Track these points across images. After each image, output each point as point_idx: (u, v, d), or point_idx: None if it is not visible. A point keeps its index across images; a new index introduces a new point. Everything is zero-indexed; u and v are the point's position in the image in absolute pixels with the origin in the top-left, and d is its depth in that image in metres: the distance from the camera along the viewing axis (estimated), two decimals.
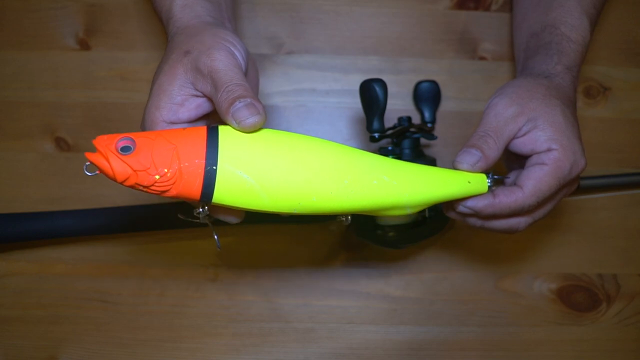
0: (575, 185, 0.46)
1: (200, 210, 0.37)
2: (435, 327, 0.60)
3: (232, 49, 0.39)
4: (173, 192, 0.35)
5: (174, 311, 0.59)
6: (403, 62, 0.61)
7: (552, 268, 0.61)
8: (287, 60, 0.60)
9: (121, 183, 0.34)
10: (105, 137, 0.34)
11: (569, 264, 0.61)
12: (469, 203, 0.42)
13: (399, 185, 0.38)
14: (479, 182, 0.41)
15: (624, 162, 0.61)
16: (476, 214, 0.43)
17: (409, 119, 0.50)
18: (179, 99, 0.38)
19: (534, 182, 0.42)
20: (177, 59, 0.39)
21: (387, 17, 0.61)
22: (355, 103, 0.59)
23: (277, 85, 0.60)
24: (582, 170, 0.43)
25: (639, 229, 0.61)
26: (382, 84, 0.48)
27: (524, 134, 0.43)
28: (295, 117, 0.60)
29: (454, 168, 0.42)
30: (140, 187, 0.34)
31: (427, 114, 0.52)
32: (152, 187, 0.34)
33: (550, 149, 0.42)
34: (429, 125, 0.52)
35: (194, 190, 0.34)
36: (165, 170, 0.34)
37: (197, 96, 0.39)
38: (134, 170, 0.34)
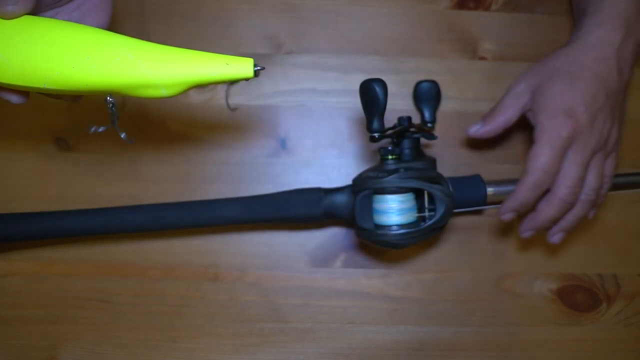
0: (590, 138, 0.48)
1: (110, 105, 0.42)
2: (435, 327, 0.60)
3: None
4: None
5: (173, 311, 0.59)
6: (403, 62, 0.61)
7: (552, 268, 0.61)
8: (287, 60, 0.60)
9: None
10: None
11: (569, 264, 0.61)
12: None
13: (144, 63, 0.40)
14: (242, 65, 0.40)
15: (623, 162, 0.61)
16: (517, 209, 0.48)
17: (409, 119, 0.50)
18: None
19: (530, 156, 0.47)
20: None
21: (387, 17, 0.61)
22: (355, 103, 0.59)
23: (277, 85, 0.60)
24: (572, 130, 0.46)
25: (639, 229, 0.61)
26: (382, 84, 0.48)
27: (530, 109, 0.50)
28: (295, 117, 0.60)
29: None
30: None
31: (427, 114, 0.52)
32: None
33: (537, 122, 0.48)
34: (429, 125, 0.52)
35: None
36: None
37: None
38: None
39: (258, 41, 0.60)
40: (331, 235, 0.60)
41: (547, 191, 0.49)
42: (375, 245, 0.51)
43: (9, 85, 0.42)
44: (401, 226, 0.50)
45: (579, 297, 0.61)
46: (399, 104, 0.60)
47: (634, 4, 0.48)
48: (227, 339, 0.59)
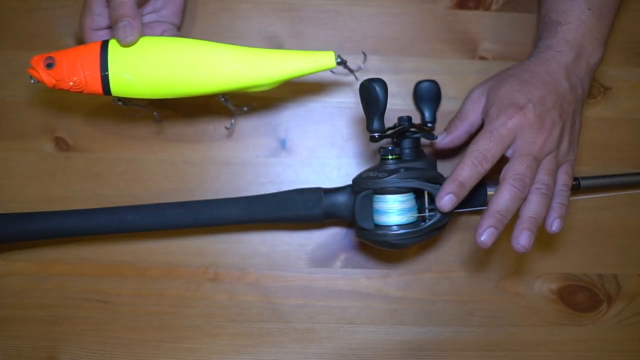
0: (539, 135, 0.49)
1: (114, 100, 0.50)
2: (435, 327, 0.60)
3: None
4: (86, 91, 0.48)
5: (173, 311, 0.59)
6: (403, 62, 0.61)
7: (553, 268, 0.60)
8: None
9: (52, 88, 0.48)
10: (37, 57, 0.48)
11: (570, 264, 0.61)
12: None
13: (248, 70, 0.48)
14: (326, 58, 0.49)
15: (624, 162, 0.61)
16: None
17: (409, 118, 0.50)
18: (98, 10, 0.49)
19: (472, 142, 0.48)
20: None
21: (387, 17, 0.61)
22: (355, 103, 0.59)
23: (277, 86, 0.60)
24: (518, 122, 0.48)
25: (639, 229, 0.61)
26: (382, 83, 0.48)
27: (485, 111, 0.51)
28: (295, 117, 0.60)
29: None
30: (65, 89, 0.48)
31: (427, 114, 0.52)
32: (72, 90, 0.48)
33: (487, 115, 0.50)
34: (429, 125, 0.52)
35: (97, 89, 0.48)
36: (75, 78, 0.47)
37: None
38: (56, 80, 0.47)
39: (258, 41, 0.60)
40: (331, 235, 0.60)
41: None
42: (375, 245, 0.51)
43: (136, 97, 0.49)
44: (401, 226, 0.50)
45: (579, 297, 0.60)
46: (399, 104, 0.60)
47: (585, 32, 0.51)
48: (227, 339, 0.59)
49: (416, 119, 0.51)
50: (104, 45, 0.48)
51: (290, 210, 0.53)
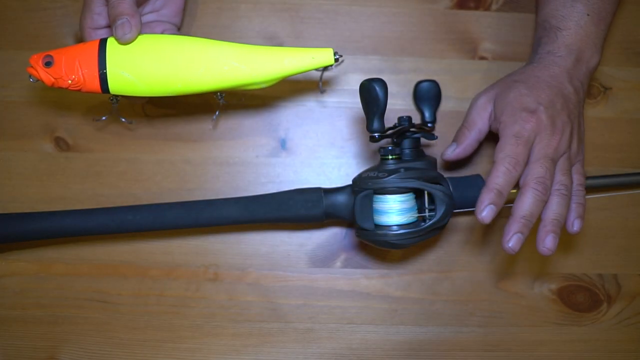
0: (553, 137, 0.49)
1: (112, 98, 0.51)
2: (435, 327, 0.60)
3: None
4: (84, 90, 0.48)
5: (173, 311, 0.59)
6: (403, 62, 0.61)
7: (553, 268, 0.60)
8: None
9: (50, 86, 0.48)
10: (35, 55, 0.47)
11: (570, 264, 0.61)
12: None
13: (247, 68, 0.48)
14: (324, 55, 0.50)
15: (624, 162, 0.61)
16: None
17: (409, 118, 0.50)
18: (97, 9, 0.49)
19: (497, 149, 0.49)
20: None
21: (387, 17, 0.61)
22: (355, 103, 0.59)
23: (276, 84, 0.60)
24: (534, 125, 0.48)
25: (639, 229, 0.61)
26: (382, 83, 0.48)
27: (495, 118, 0.52)
28: (295, 117, 0.60)
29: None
30: (63, 88, 0.48)
31: (427, 114, 0.52)
32: (70, 88, 0.48)
33: (500, 121, 0.50)
34: (429, 125, 0.52)
35: (95, 87, 0.48)
36: (73, 76, 0.47)
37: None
38: (54, 78, 0.47)
39: (258, 41, 0.60)
40: (331, 235, 0.60)
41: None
42: (375, 245, 0.51)
43: (134, 95, 0.49)
44: (401, 226, 0.50)
45: (579, 297, 0.60)
46: (399, 104, 0.60)
47: (584, 37, 0.52)
48: (227, 339, 0.59)
49: (416, 119, 0.51)
50: (102, 43, 0.48)
51: (290, 210, 0.53)
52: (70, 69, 0.47)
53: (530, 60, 0.54)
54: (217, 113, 0.55)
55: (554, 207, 0.49)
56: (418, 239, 0.50)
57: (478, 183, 0.54)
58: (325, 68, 0.51)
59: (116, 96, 0.50)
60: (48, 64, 0.47)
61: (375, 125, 0.49)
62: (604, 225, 0.61)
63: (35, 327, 0.59)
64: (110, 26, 0.49)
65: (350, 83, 0.60)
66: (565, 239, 0.60)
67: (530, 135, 0.48)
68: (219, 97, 0.52)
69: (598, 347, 0.60)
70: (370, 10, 0.61)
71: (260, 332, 0.59)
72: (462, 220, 0.60)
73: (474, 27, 0.61)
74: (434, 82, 0.52)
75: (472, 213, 0.59)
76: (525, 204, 0.48)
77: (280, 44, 0.60)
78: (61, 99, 0.59)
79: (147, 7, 0.54)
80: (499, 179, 0.47)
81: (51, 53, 0.48)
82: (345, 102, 0.60)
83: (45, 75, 0.47)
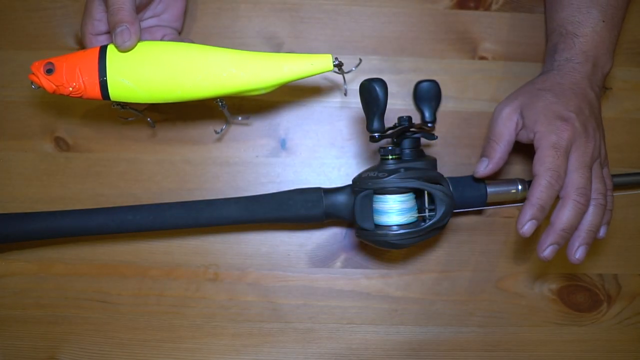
0: (588, 144, 0.49)
1: (114, 104, 0.51)
2: (435, 327, 0.60)
3: None
4: (86, 96, 0.48)
5: (173, 311, 0.59)
6: (403, 62, 0.61)
7: (553, 268, 0.60)
8: None
9: (52, 93, 0.48)
10: (37, 62, 0.48)
11: (570, 264, 0.60)
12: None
13: (246, 75, 0.49)
14: (323, 62, 0.49)
15: (624, 162, 0.61)
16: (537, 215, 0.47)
17: (409, 118, 0.50)
18: (98, 16, 0.50)
19: (536, 161, 0.48)
20: None
21: (387, 17, 0.61)
22: (355, 103, 0.59)
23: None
24: (571, 134, 0.48)
25: (639, 229, 0.61)
26: (382, 83, 0.48)
27: (522, 127, 0.51)
28: (295, 117, 0.60)
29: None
30: (64, 94, 0.48)
31: (427, 114, 0.52)
32: (71, 95, 0.48)
33: (535, 132, 0.49)
34: (429, 125, 0.52)
35: (96, 94, 0.48)
36: (74, 83, 0.47)
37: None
38: (56, 85, 0.47)
39: (258, 41, 0.60)
40: (331, 235, 0.60)
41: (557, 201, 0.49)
42: (375, 245, 0.51)
43: (134, 101, 0.49)
44: (401, 226, 0.50)
45: (580, 297, 0.60)
46: (399, 104, 0.60)
47: (599, 43, 0.52)
48: (227, 339, 0.59)
49: (416, 119, 0.51)
50: (102, 50, 0.48)
51: (290, 210, 0.53)
52: (71, 76, 0.47)
53: (547, 67, 0.54)
54: (224, 127, 0.56)
55: (591, 218, 0.49)
56: (418, 239, 0.50)
57: (478, 183, 0.54)
58: (341, 70, 0.51)
59: (119, 103, 0.50)
60: (49, 71, 0.47)
61: (375, 125, 0.49)
62: None
63: (35, 327, 0.59)
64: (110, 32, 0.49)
65: (350, 83, 0.60)
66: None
67: (567, 144, 0.48)
68: (221, 105, 0.52)
69: (598, 347, 0.60)
70: (370, 10, 0.61)
71: (260, 332, 0.59)
72: (462, 220, 0.60)
73: (474, 27, 0.61)
74: (434, 82, 0.52)
75: (472, 213, 0.60)
76: (566, 216, 0.47)
77: (280, 44, 0.60)
78: (61, 100, 0.59)
79: (148, 12, 0.54)
80: (542, 193, 0.47)
81: (52, 60, 0.48)
82: (345, 102, 0.60)
83: (47, 83, 0.47)
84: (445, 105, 0.59)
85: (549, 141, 0.48)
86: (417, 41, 0.61)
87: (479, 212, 0.60)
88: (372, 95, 0.48)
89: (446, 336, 0.60)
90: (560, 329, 0.60)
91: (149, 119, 0.56)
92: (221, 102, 0.52)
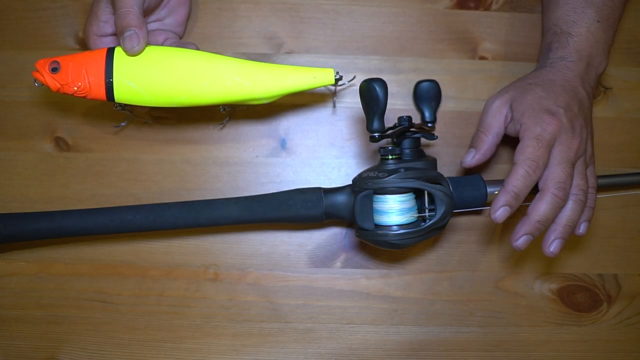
0: (573, 140, 0.49)
1: (116, 106, 0.51)
2: (435, 327, 0.60)
3: None
4: (90, 97, 0.49)
5: (173, 311, 0.59)
6: (403, 62, 0.61)
7: (553, 268, 0.60)
8: (287, 60, 0.60)
9: (56, 91, 0.48)
10: (42, 60, 0.48)
11: (570, 264, 0.61)
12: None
13: (250, 84, 0.50)
14: (325, 75, 0.51)
15: (624, 162, 0.61)
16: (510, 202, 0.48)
17: (409, 118, 0.50)
18: (104, 17, 0.50)
19: (517, 150, 0.48)
20: None
21: (387, 17, 0.61)
22: (355, 103, 0.59)
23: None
24: (556, 128, 0.48)
25: (639, 229, 0.61)
26: (383, 83, 0.48)
27: (511, 120, 0.51)
28: (295, 117, 0.60)
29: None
30: (69, 94, 0.48)
31: (427, 114, 0.52)
32: (75, 94, 0.48)
33: (521, 123, 0.49)
34: (430, 125, 0.52)
35: (101, 95, 0.48)
36: (80, 83, 0.48)
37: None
38: (60, 84, 0.48)
39: (258, 41, 0.60)
40: (331, 235, 0.60)
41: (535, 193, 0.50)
42: (375, 245, 0.51)
43: (138, 104, 0.50)
44: (401, 226, 0.50)
45: (580, 297, 0.60)
46: (399, 104, 0.60)
47: (594, 43, 0.53)
48: (227, 339, 0.59)
49: (416, 119, 0.51)
50: (110, 52, 0.48)
51: (290, 210, 0.53)
52: (77, 76, 0.47)
53: (540, 64, 0.54)
54: (226, 120, 0.57)
55: (569, 213, 0.49)
56: (418, 239, 0.50)
57: (478, 183, 0.54)
58: (335, 84, 0.52)
59: (122, 104, 0.51)
60: (54, 70, 0.47)
61: (375, 125, 0.49)
62: (604, 225, 0.61)
63: (35, 327, 0.59)
64: (116, 34, 0.49)
65: (350, 83, 0.60)
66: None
67: (551, 137, 0.48)
68: (223, 111, 0.53)
69: (598, 347, 0.60)
70: (370, 10, 0.61)
71: (260, 332, 0.59)
72: (462, 220, 0.60)
73: (474, 27, 0.61)
74: (434, 82, 0.52)
75: (472, 213, 0.59)
76: (543, 208, 0.48)
77: (280, 44, 0.60)
78: (61, 100, 0.59)
79: (152, 17, 0.54)
80: (518, 181, 0.47)
81: (58, 59, 0.48)
82: (345, 102, 0.60)
83: (52, 81, 0.48)
84: (445, 105, 0.59)
85: (533, 132, 0.48)
86: (417, 41, 0.61)
87: (479, 212, 0.60)
88: (372, 95, 0.48)
89: (446, 336, 0.60)
90: (560, 329, 0.60)
91: (148, 121, 0.56)
92: (224, 109, 0.53)
